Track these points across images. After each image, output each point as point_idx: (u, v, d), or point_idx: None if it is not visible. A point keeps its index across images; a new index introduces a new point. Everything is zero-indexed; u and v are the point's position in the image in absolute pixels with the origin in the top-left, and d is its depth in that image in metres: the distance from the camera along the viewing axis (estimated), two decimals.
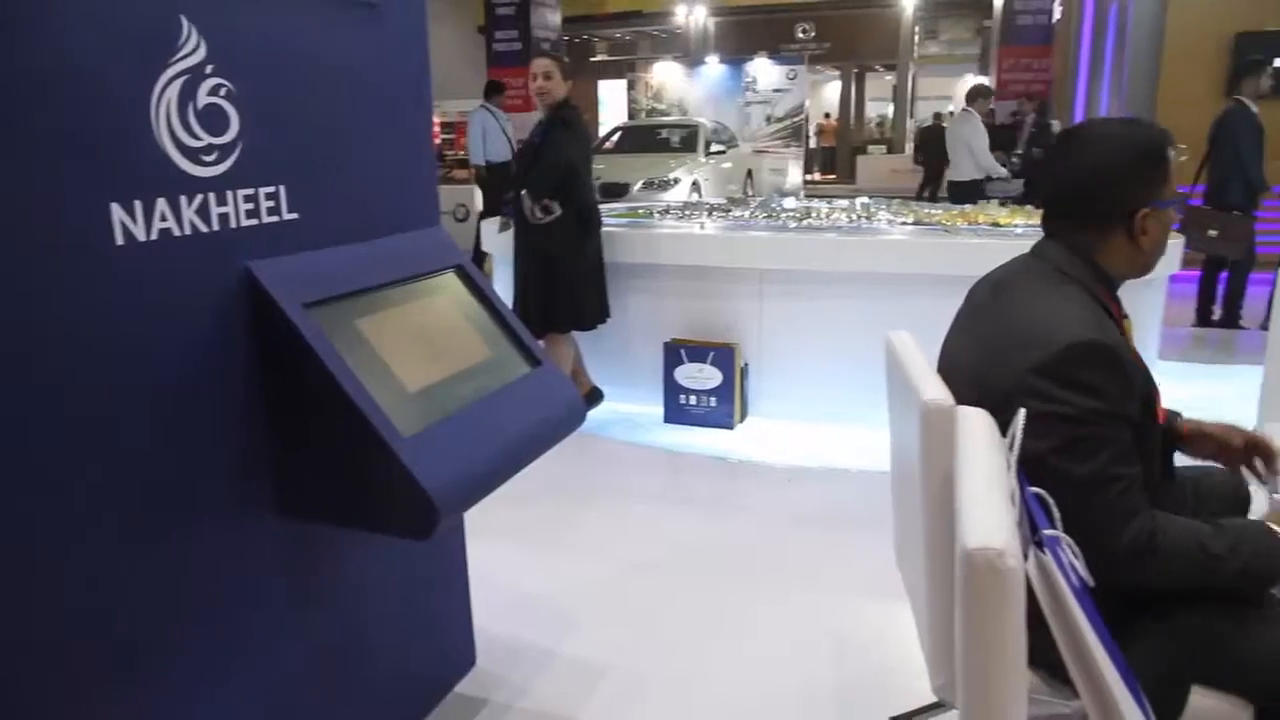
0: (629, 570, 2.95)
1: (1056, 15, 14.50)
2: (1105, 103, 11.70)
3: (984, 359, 1.54)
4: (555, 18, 12.89)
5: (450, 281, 1.98)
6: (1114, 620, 1.47)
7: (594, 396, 4.33)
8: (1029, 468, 1.38)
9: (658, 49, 23.08)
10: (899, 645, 2.30)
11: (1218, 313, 6.13)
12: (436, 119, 19.50)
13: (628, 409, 4.44)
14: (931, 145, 14.89)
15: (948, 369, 1.65)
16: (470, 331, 1.91)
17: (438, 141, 19.16)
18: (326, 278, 1.66)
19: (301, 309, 1.54)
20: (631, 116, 16.94)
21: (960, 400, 1.44)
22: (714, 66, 16.81)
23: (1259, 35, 8.48)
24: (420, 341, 1.78)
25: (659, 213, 4.92)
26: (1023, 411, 1.25)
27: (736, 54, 17.77)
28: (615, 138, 12.67)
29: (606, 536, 3.22)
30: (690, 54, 19.78)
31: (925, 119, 19.80)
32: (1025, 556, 0.98)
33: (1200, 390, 4.52)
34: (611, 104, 21.25)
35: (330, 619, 1.84)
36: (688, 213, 4.91)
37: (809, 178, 18.65)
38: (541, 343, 4.09)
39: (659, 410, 4.33)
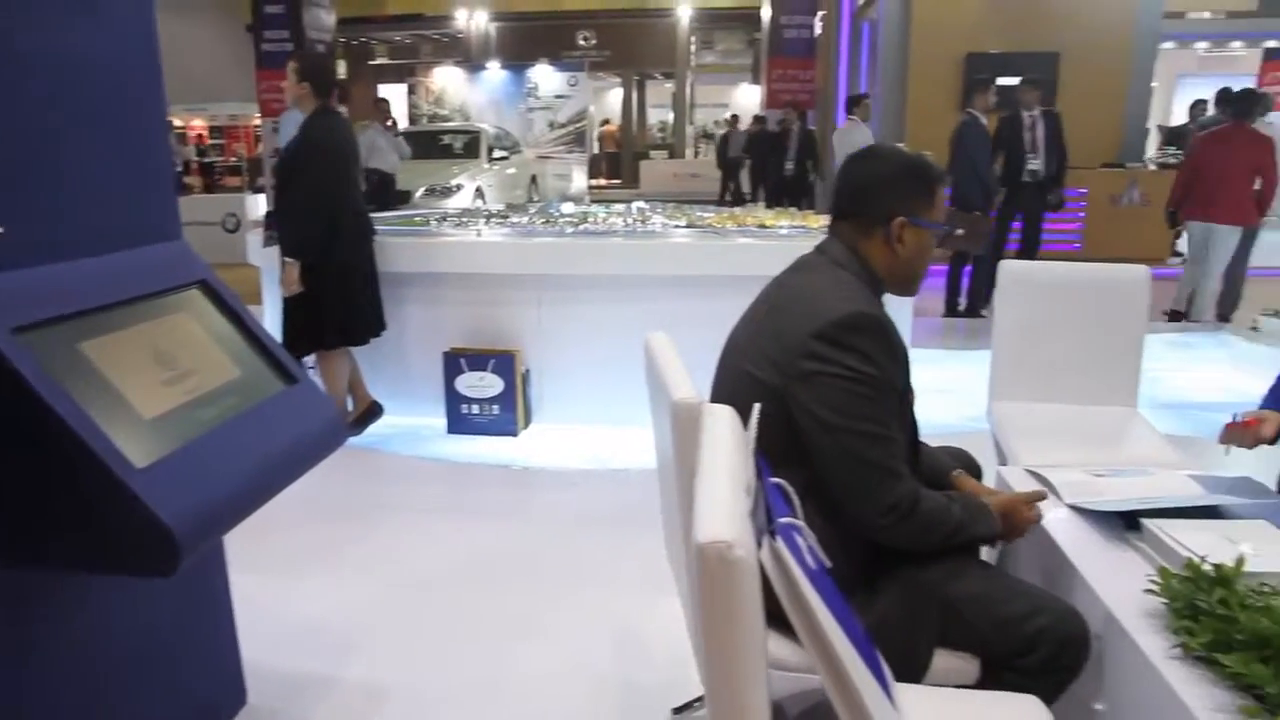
0: (416, 587, 2.88)
1: (818, 30, 15.46)
2: None
3: (769, 333, 1.68)
4: (329, 18, 12.35)
5: (193, 298, 1.85)
6: (862, 586, 1.61)
7: (373, 411, 4.19)
8: (807, 431, 1.57)
9: (439, 53, 22.69)
10: (684, 639, 2.36)
11: (963, 303, 6.76)
12: (202, 122, 18.24)
13: (409, 422, 4.33)
14: (728, 150, 15.52)
15: (730, 350, 1.80)
16: (215, 350, 1.79)
17: (204, 146, 17.94)
18: (41, 298, 1.50)
19: (9, 334, 1.39)
20: (413, 122, 16.55)
21: (741, 375, 1.58)
22: (496, 72, 16.73)
23: (984, 56, 9.43)
24: (157, 364, 1.65)
25: (436, 220, 4.83)
26: (758, 406, 1.33)
27: (518, 59, 17.75)
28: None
29: (392, 555, 3.12)
30: (472, 58, 19.57)
31: (718, 126, 20.61)
32: (760, 546, 1.02)
33: (948, 373, 4.94)
34: (392, 108, 20.66)
35: (70, 672, 1.68)
36: (465, 220, 4.85)
37: (594, 183, 18.92)
38: (312, 359, 3.95)
39: (441, 421, 4.26)
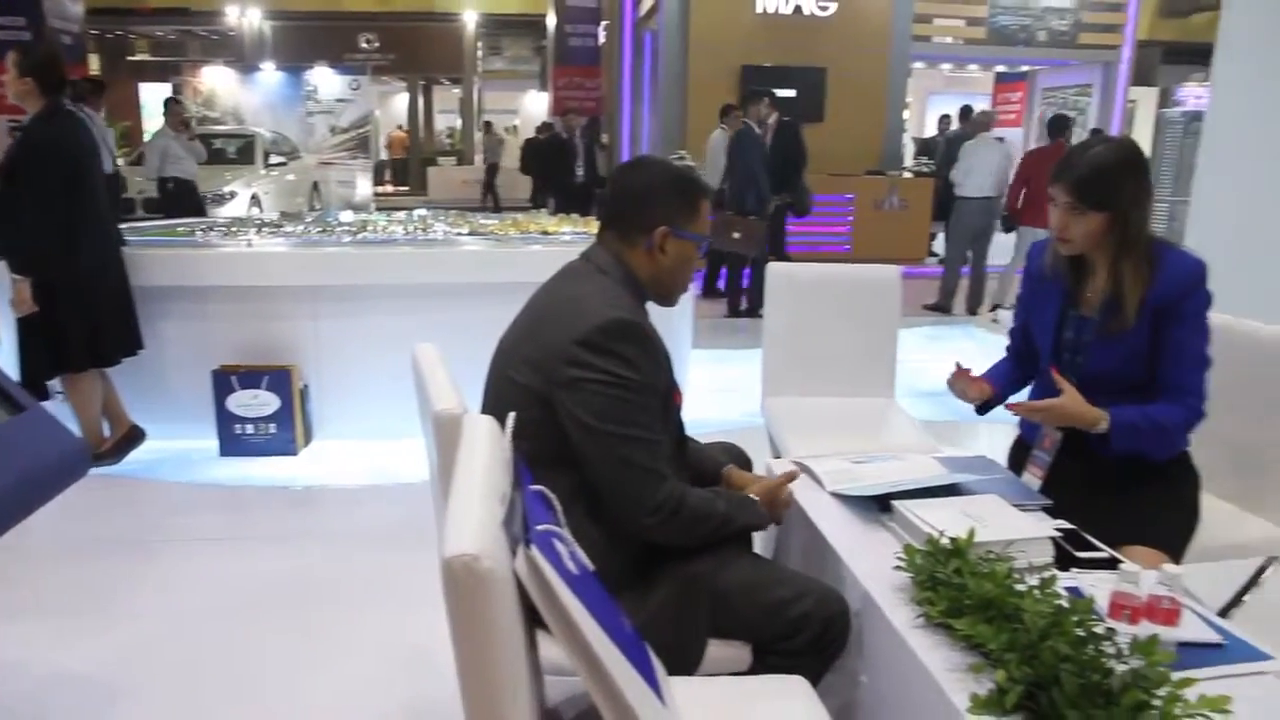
0: (192, 623, 2.68)
1: (602, 39, 15.71)
2: (648, 122, 12.93)
3: (534, 340, 1.69)
4: (76, 7, 11.24)
5: None
6: (634, 584, 1.64)
7: (133, 436, 3.86)
8: (572, 436, 1.58)
9: (208, 51, 21.27)
10: None
11: (745, 303, 7.06)
12: None
13: (177, 445, 4.02)
14: (535, 157, 15.39)
15: (497, 357, 1.78)
16: None
17: None
18: None
19: None
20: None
21: (507, 382, 1.58)
22: (271, 73, 15.85)
23: (759, 69, 9.92)
24: None
25: (202, 230, 4.51)
26: (513, 415, 1.32)
27: (296, 61, 16.91)
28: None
29: (164, 591, 2.88)
30: (245, 59, 18.47)
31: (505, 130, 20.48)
32: (515, 555, 1.02)
33: (730, 372, 5.16)
34: (155, 109, 19.13)
35: None
36: (235, 229, 4.56)
37: (380, 190, 18.35)
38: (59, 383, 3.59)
39: (213, 443, 3.98)
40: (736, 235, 6.51)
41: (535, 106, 23.75)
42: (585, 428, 1.58)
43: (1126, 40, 13.24)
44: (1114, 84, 13.41)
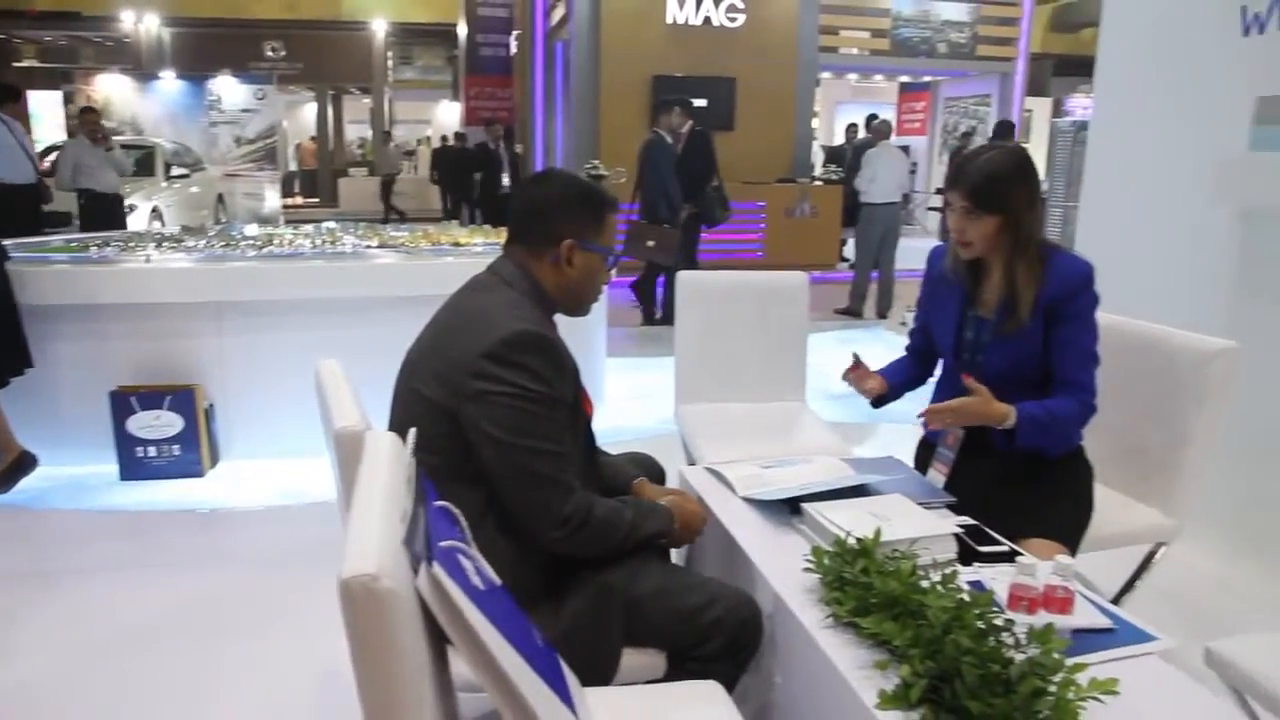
0: (94, 655, 2.56)
1: (513, 49, 15.66)
2: (560, 131, 12.93)
3: (440, 353, 1.67)
4: None
5: None
6: (546, 596, 1.63)
7: (24, 463, 3.68)
8: (480, 450, 1.58)
9: (102, 58, 20.47)
10: None
11: (659, 312, 7.10)
12: None
13: (73, 471, 3.85)
14: (446, 166, 15.21)
15: (404, 371, 1.77)
16: None
17: None
18: None
19: None
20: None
21: (413, 396, 1.57)
22: (171, 82, 15.33)
23: (669, 79, 10.01)
24: None
25: (97, 245, 4.33)
26: (414, 431, 1.30)
27: (198, 69, 16.38)
28: (53, 158, 10.95)
29: (64, 623, 2.75)
30: (142, 66, 17.84)
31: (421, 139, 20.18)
32: (416, 574, 1.00)
33: (644, 380, 5.17)
34: (47, 118, 18.30)
35: None
36: (133, 244, 4.40)
37: (289, 202, 17.91)
38: None
39: (113, 468, 3.82)
40: (650, 244, 6.55)
41: (448, 116, 23.51)
42: (493, 441, 1.58)
43: (1020, 53, 13.79)
44: (1010, 94, 13.94)
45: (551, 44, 13.16)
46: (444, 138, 19.62)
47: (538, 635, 1.33)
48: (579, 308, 1.86)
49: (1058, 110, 16.91)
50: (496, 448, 1.58)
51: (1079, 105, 16.84)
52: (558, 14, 12.13)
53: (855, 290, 7.74)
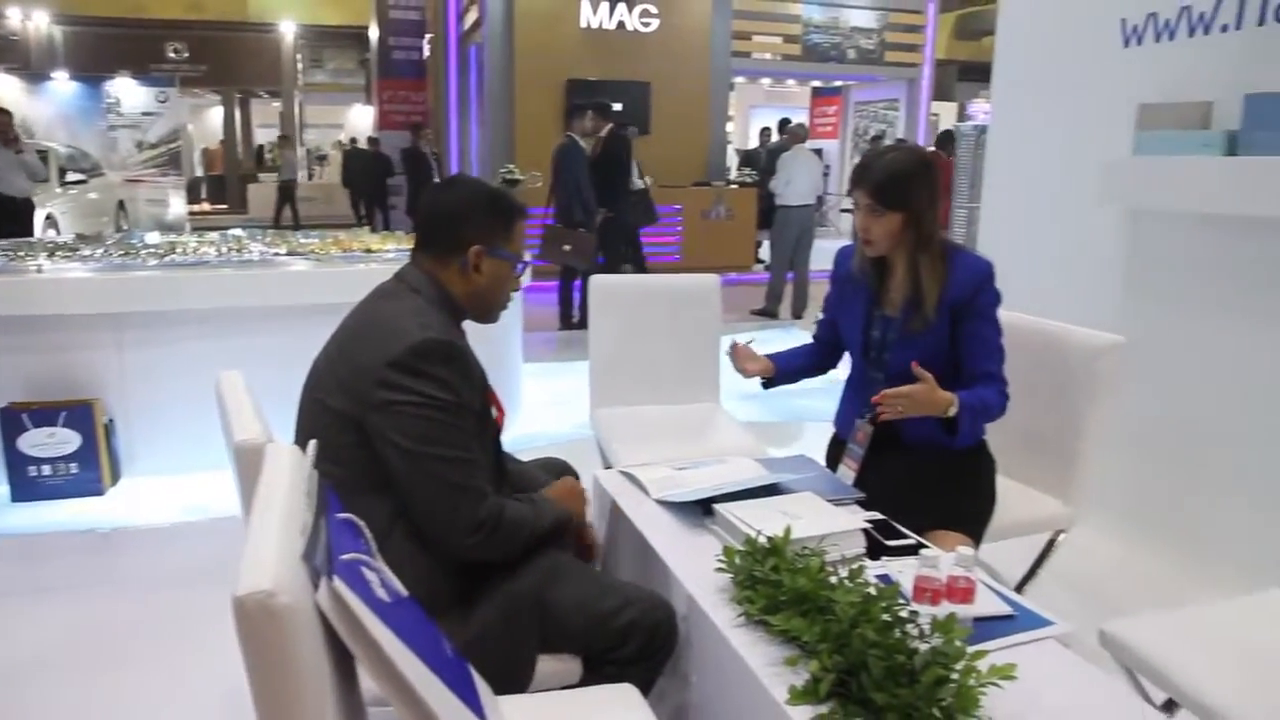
0: None
1: (426, 52, 15.46)
2: (475, 135, 12.82)
3: (345, 362, 1.65)
4: None
5: None
6: (458, 605, 1.61)
7: None
8: (389, 460, 1.56)
9: None
10: None
11: (577, 316, 7.09)
12: None
13: None
14: (356, 170, 14.88)
15: (309, 381, 1.73)
16: None
17: None
18: None
19: None
20: None
21: (319, 407, 1.55)
22: (65, 83, 14.68)
23: (584, 82, 10.02)
24: None
25: None
26: (314, 443, 1.28)
27: (94, 70, 15.73)
28: None
29: None
30: (31, 66, 17.06)
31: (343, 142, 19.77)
32: (316, 589, 0.98)
33: (561, 385, 5.15)
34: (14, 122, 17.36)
35: None
36: (22, 253, 4.19)
37: (195, 208, 17.35)
38: None
39: (3, 489, 3.64)
40: (566, 248, 6.54)
41: (361, 120, 23.08)
42: (400, 451, 1.56)
43: (926, 59, 14.21)
44: (917, 99, 14.35)
45: (465, 47, 13.03)
46: (353, 140, 19.25)
47: (448, 645, 1.32)
48: (488, 314, 1.85)
49: (962, 115, 17.46)
50: (405, 457, 1.56)
51: (980, 110, 17.40)
52: (471, 17, 12.02)
53: (771, 291, 7.86)
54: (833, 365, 2.46)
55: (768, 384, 2.43)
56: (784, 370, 2.41)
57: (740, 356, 2.35)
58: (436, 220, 1.79)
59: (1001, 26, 3.72)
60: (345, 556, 1.06)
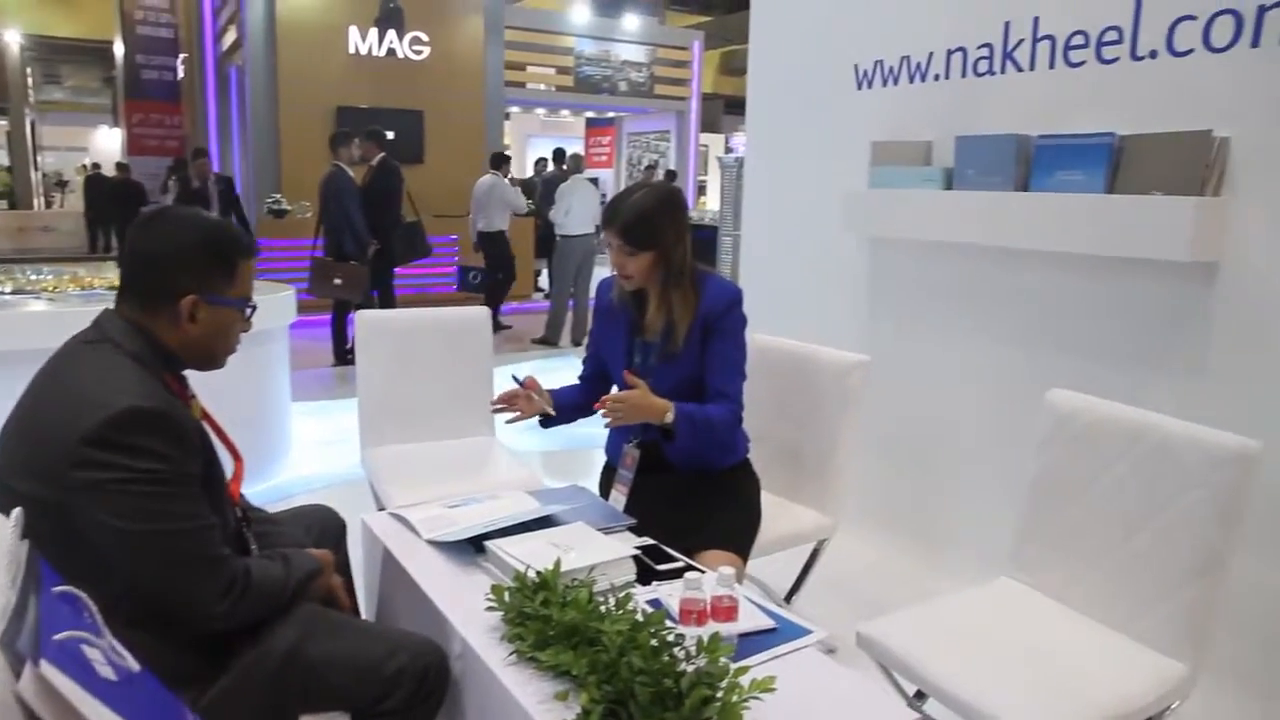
0: None
1: (180, 73, 14.49)
2: (238, 161, 12.12)
3: (32, 440, 1.45)
4: None
5: None
6: (206, 674, 1.49)
7: None
8: (105, 546, 1.39)
9: None
10: None
11: (352, 350, 6.80)
12: None
13: None
14: (100, 199, 13.63)
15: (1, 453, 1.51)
16: None
17: None
18: None
19: None
20: None
21: (5, 489, 1.36)
22: None
23: (354, 110, 9.72)
24: None
25: None
26: (18, 511, 1.15)
27: None
28: None
29: None
30: None
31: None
32: (19, 676, 0.88)
33: (334, 424, 4.92)
34: None
35: None
36: None
37: None
38: None
39: None
40: (338, 281, 6.29)
41: (108, 143, 21.24)
42: (119, 533, 1.39)
43: (694, 93, 14.91)
44: (687, 131, 14.99)
45: (224, 69, 12.31)
46: (95, 165, 17.72)
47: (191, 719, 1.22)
48: (211, 363, 1.66)
49: (727, 147, 18.40)
50: (125, 539, 1.39)
51: (740, 142, 18.43)
52: (229, 38, 11.37)
53: (552, 320, 7.91)
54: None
55: (546, 423, 2.41)
56: (562, 407, 2.40)
57: (529, 387, 2.31)
58: (142, 264, 1.56)
59: (752, 67, 3.96)
60: (59, 636, 0.95)
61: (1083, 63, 2.60)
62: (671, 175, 13.37)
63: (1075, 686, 1.74)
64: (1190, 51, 2.35)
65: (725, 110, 19.44)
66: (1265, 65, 2.21)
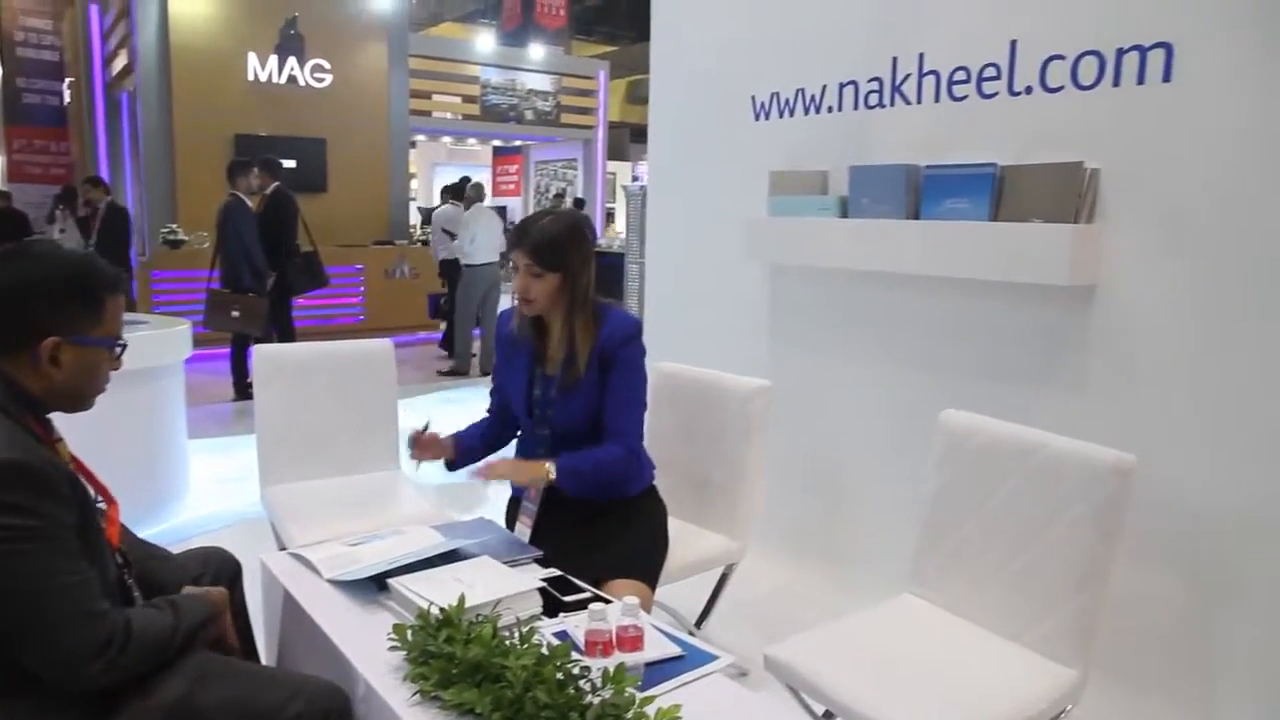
0: None
1: (67, 98, 13.94)
2: (130, 190, 11.70)
3: None
4: None
5: None
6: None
7: None
8: None
9: None
10: None
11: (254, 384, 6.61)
12: None
13: None
14: None
15: None
16: None
17: None
18: None
19: None
20: None
21: None
22: None
23: (254, 138, 9.50)
24: None
25: None
26: None
27: None
28: None
29: None
30: None
31: None
32: None
33: (236, 461, 4.74)
34: None
35: None
36: None
37: None
38: None
39: None
40: (236, 314, 6.10)
41: None
42: None
43: (600, 122, 15.04)
44: (594, 159, 15.10)
45: (114, 95, 11.89)
46: None
47: None
48: (79, 405, 1.59)
49: (634, 175, 18.61)
50: None
51: (645, 171, 18.67)
52: (119, 63, 10.99)
53: (459, 350, 7.82)
54: (512, 435, 2.47)
55: (452, 465, 2.39)
56: (467, 449, 2.38)
57: (421, 446, 2.29)
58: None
59: (653, 97, 4.02)
60: None
61: (965, 97, 2.72)
62: (580, 203, 13.43)
63: (975, 698, 1.80)
64: (1061, 88, 2.49)
65: (632, 138, 19.65)
66: (1125, 102, 2.36)
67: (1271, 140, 2.11)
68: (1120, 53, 2.35)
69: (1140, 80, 2.32)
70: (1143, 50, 2.31)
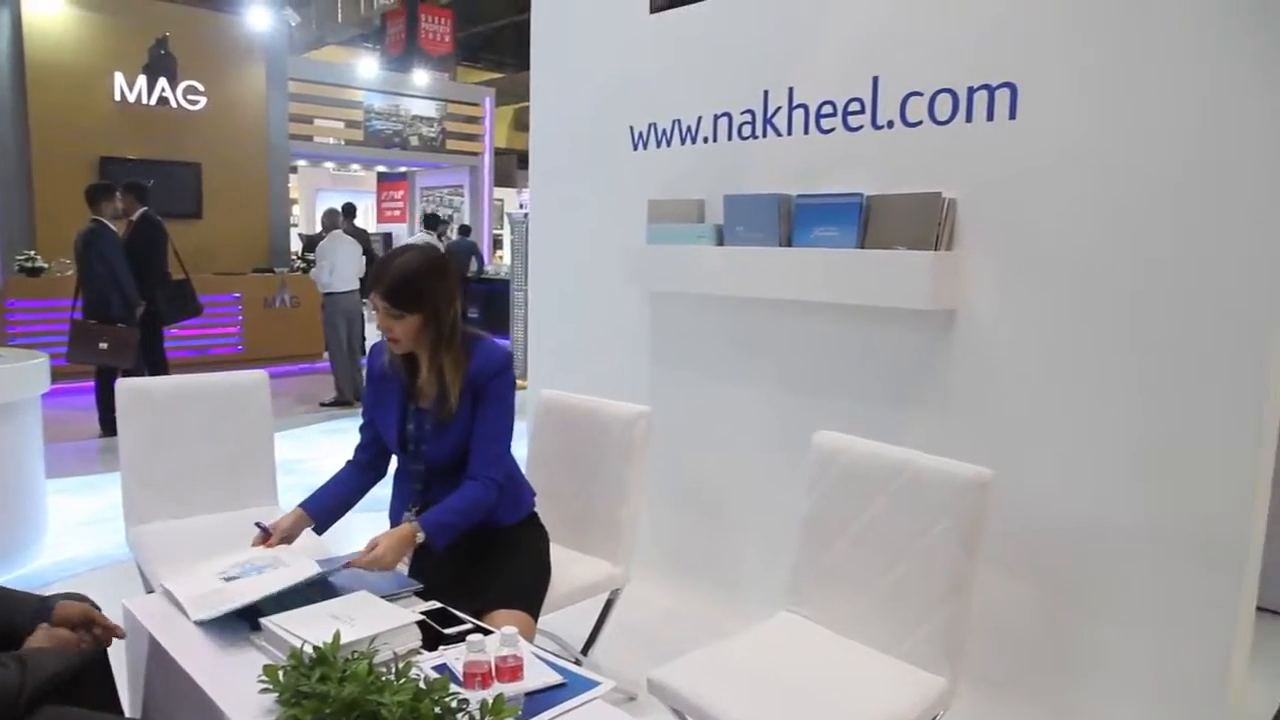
0: None
1: None
2: None
3: None
4: None
5: None
6: None
7: None
8: None
9: None
10: None
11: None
12: None
13: None
14: None
15: None
16: None
17: None
18: None
19: None
20: None
21: None
22: None
23: (121, 161, 9.09)
24: None
25: None
26: None
27: None
28: None
29: None
30: None
31: None
32: None
33: (102, 500, 4.52)
34: None
35: None
36: None
37: None
38: None
39: None
40: (104, 346, 5.81)
41: None
42: None
43: (486, 148, 14.98)
44: (481, 185, 15.02)
45: None
46: None
47: None
48: None
49: (520, 202, 18.59)
50: None
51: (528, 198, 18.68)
52: None
53: (338, 379, 7.60)
54: (381, 474, 2.42)
55: (320, 529, 2.31)
56: (329, 513, 2.31)
57: (273, 545, 2.19)
58: None
59: (533, 125, 4.06)
60: None
61: (833, 130, 2.85)
62: (466, 230, 13.30)
63: (851, 710, 1.86)
64: (920, 123, 2.63)
65: (519, 165, 19.60)
66: (975, 137, 2.52)
67: (1108, 171, 2.29)
68: (971, 91, 2.51)
69: (990, 117, 2.48)
70: (990, 89, 2.47)
